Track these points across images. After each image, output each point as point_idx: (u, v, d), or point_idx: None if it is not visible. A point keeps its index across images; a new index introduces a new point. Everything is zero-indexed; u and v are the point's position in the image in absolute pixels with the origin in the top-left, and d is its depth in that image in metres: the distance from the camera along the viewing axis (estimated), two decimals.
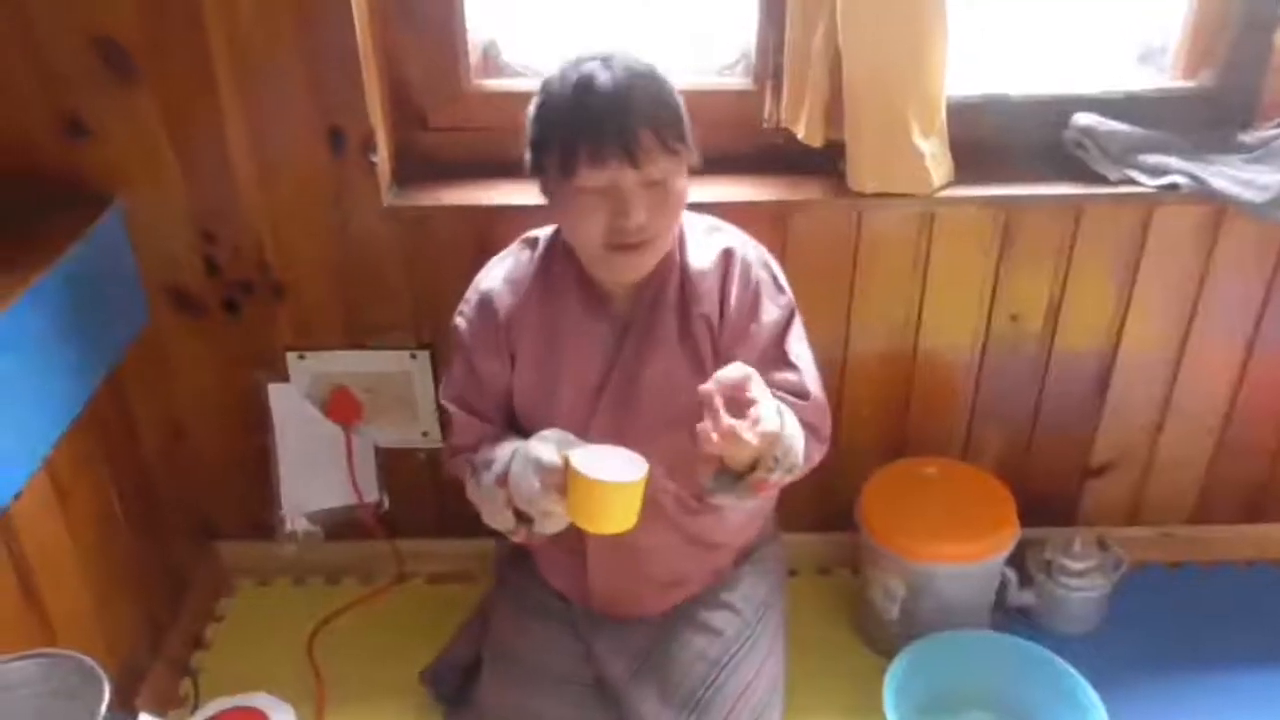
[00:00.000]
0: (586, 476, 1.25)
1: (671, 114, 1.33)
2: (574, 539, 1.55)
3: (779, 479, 1.34)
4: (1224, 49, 1.81)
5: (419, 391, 1.96)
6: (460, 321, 1.53)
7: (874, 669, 1.82)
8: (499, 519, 1.43)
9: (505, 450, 1.43)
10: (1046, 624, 1.98)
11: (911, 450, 2.03)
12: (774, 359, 1.46)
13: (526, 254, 1.53)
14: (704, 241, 1.50)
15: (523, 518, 1.40)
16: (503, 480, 1.38)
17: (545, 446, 1.33)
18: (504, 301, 1.49)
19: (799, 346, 1.49)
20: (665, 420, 1.43)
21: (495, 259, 1.56)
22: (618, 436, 1.39)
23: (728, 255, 1.48)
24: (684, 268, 1.47)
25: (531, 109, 1.37)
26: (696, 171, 1.41)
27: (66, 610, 1.59)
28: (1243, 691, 1.88)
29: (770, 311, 1.48)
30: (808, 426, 1.42)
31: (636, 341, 1.47)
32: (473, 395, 1.53)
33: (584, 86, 1.30)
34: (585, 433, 1.43)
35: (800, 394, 1.44)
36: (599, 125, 1.29)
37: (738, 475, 1.32)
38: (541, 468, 1.30)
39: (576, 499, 1.28)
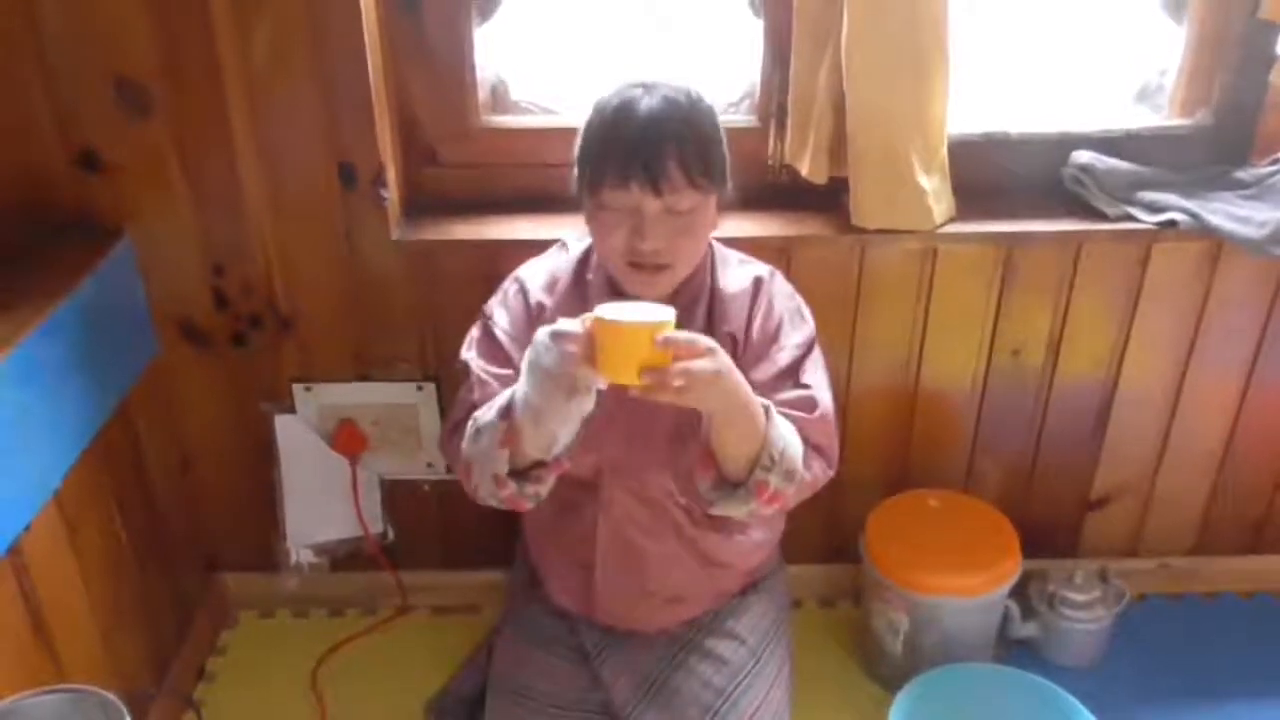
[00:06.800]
0: (612, 321, 1.18)
1: (702, 148, 1.37)
2: (583, 550, 1.58)
3: (778, 485, 1.36)
4: (1220, 88, 1.84)
5: (425, 423, 1.97)
6: (494, 304, 1.56)
7: (877, 701, 1.83)
8: (492, 464, 1.36)
9: (507, 392, 1.38)
10: (1049, 656, 1.99)
11: (914, 482, 2.04)
12: (788, 381, 1.49)
13: (562, 256, 1.57)
14: (737, 269, 1.55)
15: (516, 473, 1.36)
16: (505, 412, 1.34)
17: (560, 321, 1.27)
18: (539, 294, 1.53)
19: (815, 372, 1.51)
20: (679, 434, 1.45)
21: (533, 259, 1.60)
22: (632, 446, 1.43)
23: (759, 282, 1.53)
24: (714, 291, 1.51)
25: (581, 124, 1.42)
26: (728, 207, 1.45)
27: (73, 641, 1.59)
28: None
29: (791, 337, 1.51)
30: (813, 445, 1.46)
31: None
32: (494, 365, 1.51)
33: (623, 111, 1.36)
34: (601, 439, 1.44)
35: (807, 409, 1.47)
36: (627, 150, 1.34)
37: (735, 483, 1.35)
38: (559, 333, 1.24)
39: (605, 347, 1.18)
